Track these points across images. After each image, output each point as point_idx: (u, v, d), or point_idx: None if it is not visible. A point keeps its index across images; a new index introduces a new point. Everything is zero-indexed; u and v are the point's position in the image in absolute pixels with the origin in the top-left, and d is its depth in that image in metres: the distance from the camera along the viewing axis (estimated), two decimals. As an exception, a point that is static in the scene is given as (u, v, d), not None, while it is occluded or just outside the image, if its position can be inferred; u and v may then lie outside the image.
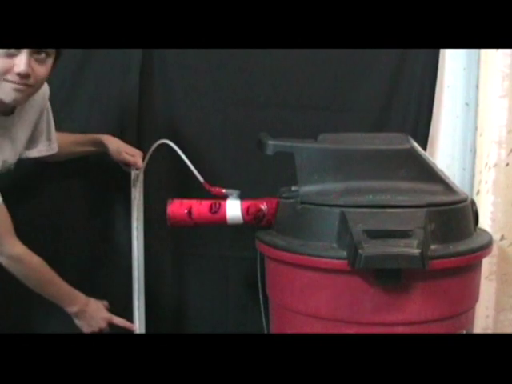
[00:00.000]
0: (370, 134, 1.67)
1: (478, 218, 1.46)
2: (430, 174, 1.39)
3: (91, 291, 1.58)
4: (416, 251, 1.18)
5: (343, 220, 1.27)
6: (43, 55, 1.29)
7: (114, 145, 1.63)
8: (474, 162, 1.80)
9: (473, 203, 1.44)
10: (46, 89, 1.50)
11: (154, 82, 1.75)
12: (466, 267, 1.34)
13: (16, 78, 1.27)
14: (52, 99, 1.55)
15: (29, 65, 1.26)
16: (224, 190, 1.50)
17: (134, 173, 1.64)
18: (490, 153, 1.71)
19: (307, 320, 1.33)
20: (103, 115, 1.73)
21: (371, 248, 1.20)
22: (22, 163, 1.53)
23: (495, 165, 1.71)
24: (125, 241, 1.71)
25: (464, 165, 1.87)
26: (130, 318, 1.64)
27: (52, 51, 1.31)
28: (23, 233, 1.44)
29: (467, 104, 1.85)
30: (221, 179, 1.64)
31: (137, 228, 1.65)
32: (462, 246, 1.32)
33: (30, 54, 1.26)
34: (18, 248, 1.42)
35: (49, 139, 1.57)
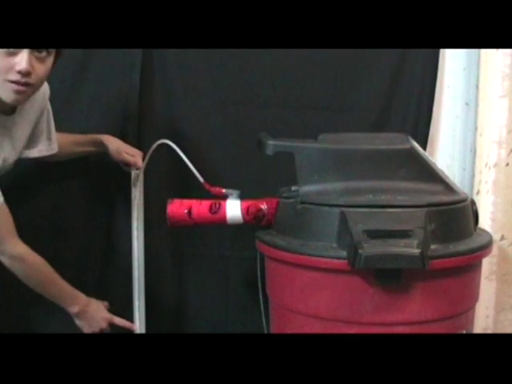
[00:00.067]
0: (370, 133, 1.68)
1: (478, 217, 1.46)
2: (430, 174, 1.39)
3: (91, 291, 1.59)
4: (416, 251, 1.18)
5: (343, 220, 1.27)
6: (44, 53, 1.29)
7: (114, 145, 1.63)
8: (473, 162, 1.80)
9: (473, 203, 1.44)
10: (46, 88, 1.50)
11: (154, 81, 1.75)
12: (466, 267, 1.34)
13: (17, 77, 1.27)
14: (52, 99, 1.55)
15: (30, 63, 1.26)
16: (224, 190, 1.50)
17: (134, 173, 1.64)
18: (489, 153, 1.71)
19: (307, 320, 1.33)
20: (103, 115, 1.73)
21: (371, 248, 1.20)
22: (22, 163, 1.53)
23: (495, 165, 1.71)
24: (125, 241, 1.70)
25: (464, 165, 1.87)
26: (130, 318, 1.64)
27: (52, 50, 1.31)
28: (23, 233, 1.44)
29: (467, 104, 1.85)
30: (221, 179, 1.64)
31: (137, 228, 1.65)
32: (461, 246, 1.32)
33: (31, 52, 1.26)
34: (20, 248, 1.42)
35: (49, 139, 1.57)
